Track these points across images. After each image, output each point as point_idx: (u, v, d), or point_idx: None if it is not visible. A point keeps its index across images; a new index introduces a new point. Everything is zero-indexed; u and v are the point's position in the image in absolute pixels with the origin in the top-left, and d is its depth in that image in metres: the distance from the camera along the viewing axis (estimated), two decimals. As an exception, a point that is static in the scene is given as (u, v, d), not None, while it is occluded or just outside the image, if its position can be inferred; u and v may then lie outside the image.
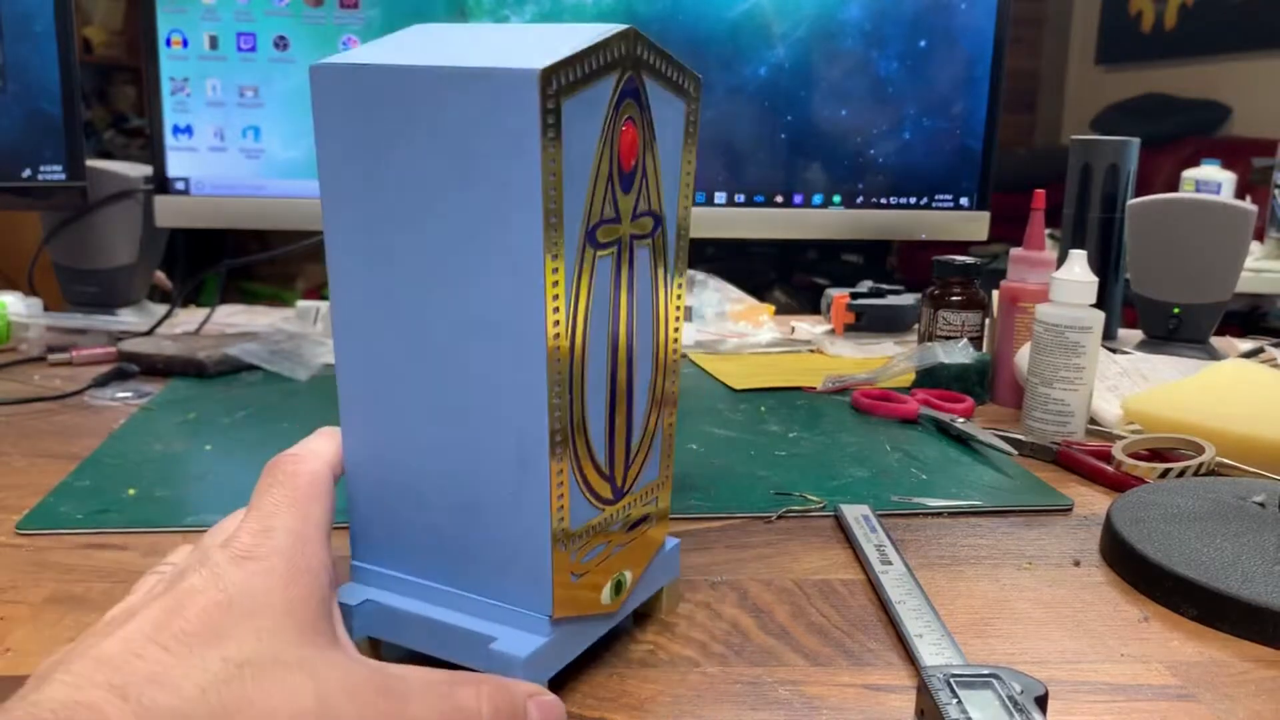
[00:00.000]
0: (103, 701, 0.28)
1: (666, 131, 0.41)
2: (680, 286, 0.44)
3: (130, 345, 0.91)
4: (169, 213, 1.02)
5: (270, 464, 0.40)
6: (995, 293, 0.90)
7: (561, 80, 0.35)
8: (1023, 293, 0.85)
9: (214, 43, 0.98)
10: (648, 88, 0.39)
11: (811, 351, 1.04)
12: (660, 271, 0.42)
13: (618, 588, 0.42)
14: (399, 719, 0.34)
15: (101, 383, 0.84)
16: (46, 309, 1.04)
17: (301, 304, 1.07)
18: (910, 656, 0.44)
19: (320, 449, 0.42)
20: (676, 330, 0.44)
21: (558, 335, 0.37)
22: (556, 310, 0.36)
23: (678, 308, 0.44)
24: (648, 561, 0.45)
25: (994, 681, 0.38)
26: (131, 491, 0.61)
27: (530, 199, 0.35)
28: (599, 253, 0.38)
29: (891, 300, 1.13)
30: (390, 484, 0.41)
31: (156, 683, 0.30)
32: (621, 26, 0.37)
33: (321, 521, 0.38)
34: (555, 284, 0.36)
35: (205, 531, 0.56)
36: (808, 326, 1.15)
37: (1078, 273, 0.74)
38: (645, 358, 0.42)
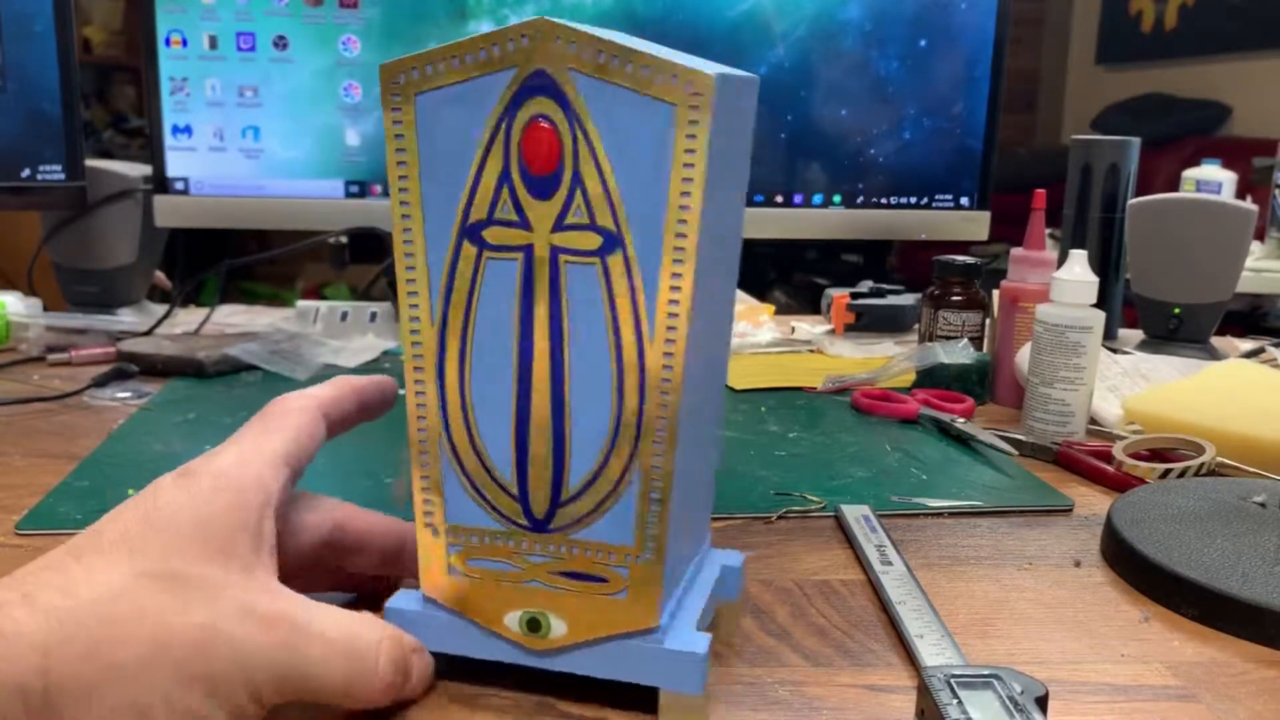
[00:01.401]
0: (10, 603, 0.32)
1: (636, 141, 0.36)
2: (676, 304, 0.37)
3: (130, 345, 0.91)
4: (168, 213, 1.02)
5: (275, 401, 0.43)
6: (995, 293, 0.90)
7: (410, 75, 0.37)
8: (1023, 293, 0.85)
9: (213, 42, 0.98)
10: (586, 88, 0.36)
11: (812, 351, 1.04)
12: (624, 288, 0.37)
13: (532, 625, 0.40)
14: (293, 650, 0.35)
15: (101, 383, 0.84)
16: (46, 309, 1.04)
17: (301, 304, 1.07)
18: (910, 657, 0.44)
19: (316, 390, 0.43)
20: (670, 351, 0.37)
21: (415, 320, 0.38)
22: (413, 295, 0.38)
23: (671, 327, 0.37)
24: (604, 629, 0.39)
25: (994, 682, 0.38)
26: (131, 491, 0.61)
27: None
28: (489, 254, 0.38)
29: (892, 300, 1.13)
30: None
31: (59, 589, 0.33)
32: (530, 20, 0.36)
33: (279, 447, 0.40)
34: (410, 269, 0.38)
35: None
36: (808, 326, 1.15)
37: (1078, 273, 0.74)
38: (593, 383, 0.38)
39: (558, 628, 0.40)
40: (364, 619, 0.38)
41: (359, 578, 0.47)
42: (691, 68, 0.35)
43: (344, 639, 0.37)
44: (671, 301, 0.36)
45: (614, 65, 0.35)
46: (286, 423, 0.41)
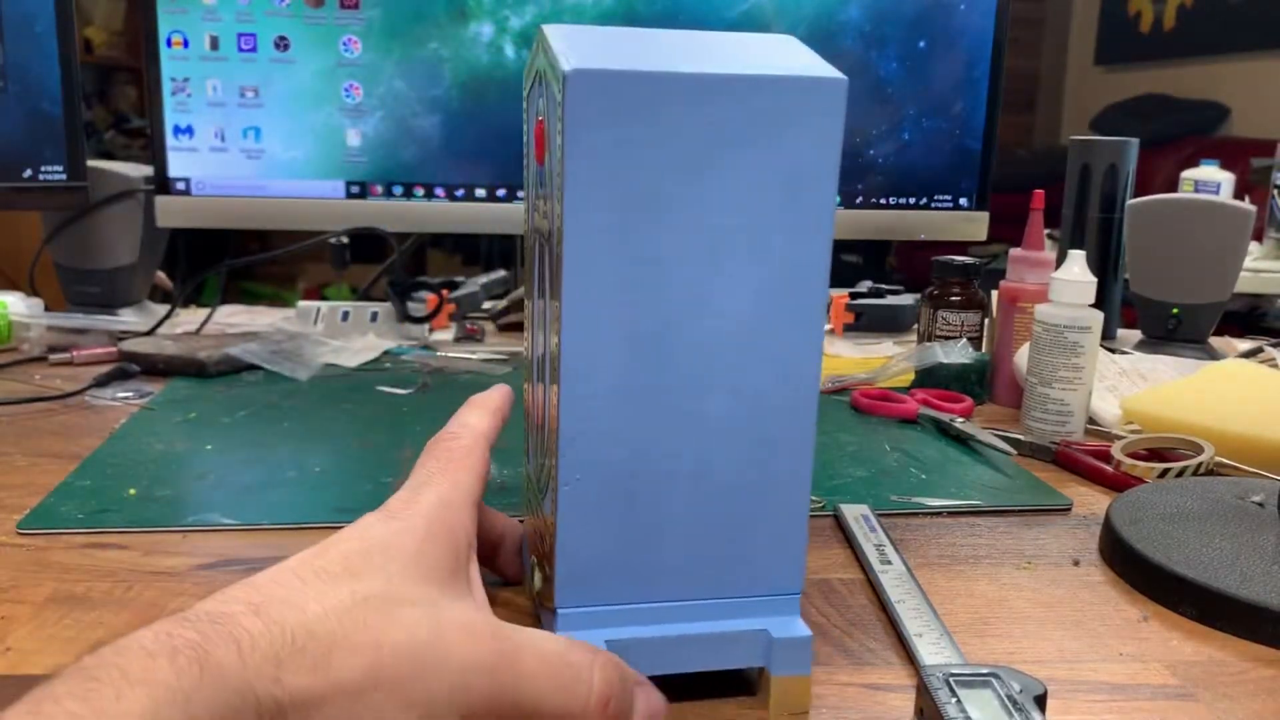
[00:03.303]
0: (239, 613, 0.31)
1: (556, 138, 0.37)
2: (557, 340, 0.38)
3: (131, 345, 0.92)
4: (170, 213, 1.02)
5: (431, 441, 0.43)
6: (994, 293, 0.90)
7: None
8: (1022, 293, 0.85)
9: (215, 43, 0.99)
10: (549, 89, 0.38)
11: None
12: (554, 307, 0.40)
13: None
14: (511, 663, 0.35)
15: (102, 382, 0.84)
16: (47, 309, 1.04)
17: (302, 304, 1.07)
18: (910, 656, 0.44)
19: (472, 421, 0.44)
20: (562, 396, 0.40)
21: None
22: None
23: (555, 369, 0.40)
24: None
25: (993, 681, 0.39)
26: (132, 491, 0.61)
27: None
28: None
29: (891, 300, 1.14)
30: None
31: (287, 603, 0.33)
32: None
33: (470, 488, 0.41)
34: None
35: (206, 531, 0.56)
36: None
37: (1077, 273, 0.74)
38: None
39: None
40: (578, 642, 0.38)
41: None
42: (566, 66, 0.35)
43: (557, 654, 0.36)
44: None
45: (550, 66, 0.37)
46: (469, 462, 0.42)
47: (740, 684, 0.42)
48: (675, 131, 0.36)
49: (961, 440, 0.75)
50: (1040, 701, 0.38)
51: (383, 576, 0.35)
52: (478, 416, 0.45)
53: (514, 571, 0.50)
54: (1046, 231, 0.88)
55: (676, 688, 0.40)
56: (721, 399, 0.39)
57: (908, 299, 1.14)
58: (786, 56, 0.38)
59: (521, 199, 1.01)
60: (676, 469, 0.39)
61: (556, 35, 0.38)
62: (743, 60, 0.37)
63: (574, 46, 0.37)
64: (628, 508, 0.39)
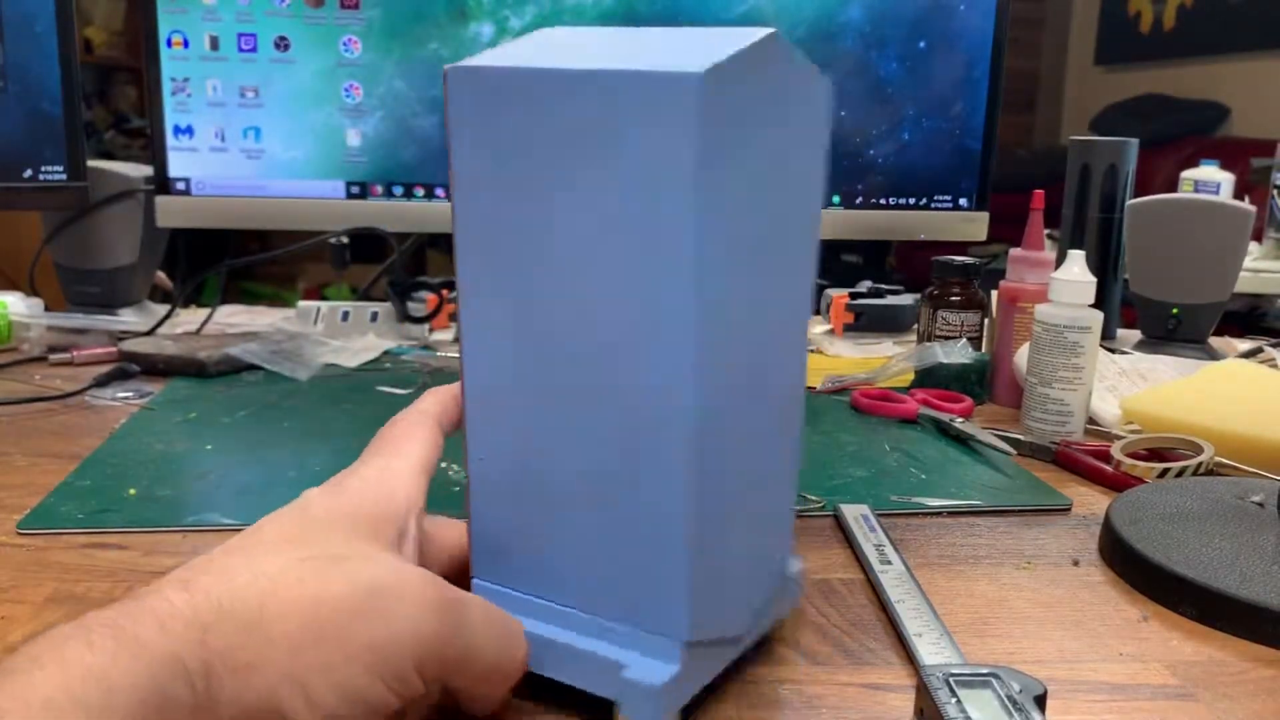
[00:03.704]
0: (165, 589, 0.32)
1: None
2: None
3: (131, 345, 0.92)
4: (170, 213, 1.02)
5: (396, 420, 0.44)
6: (994, 293, 0.90)
7: None
8: (1022, 293, 0.85)
9: (215, 43, 0.99)
10: None
11: (811, 351, 1.05)
12: None
13: None
14: (457, 612, 0.35)
15: (102, 382, 0.84)
16: (47, 309, 1.04)
17: (302, 304, 1.07)
18: (909, 656, 0.44)
19: (423, 405, 0.44)
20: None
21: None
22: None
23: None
24: None
25: (993, 681, 0.39)
26: (132, 491, 0.61)
27: None
28: None
29: (891, 300, 1.13)
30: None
31: (215, 574, 0.33)
32: None
33: (415, 456, 0.41)
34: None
35: (206, 531, 0.56)
36: (807, 327, 1.15)
37: (1076, 273, 0.74)
38: None
39: None
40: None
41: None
42: (470, 62, 0.36)
43: (494, 615, 0.37)
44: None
45: None
46: (415, 435, 0.42)
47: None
48: (544, 125, 0.35)
49: (961, 440, 0.75)
50: (1040, 701, 0.38)
51: (322, 541, 0.36)
52: (430, 401, 0.45)
53: None
54: (1046, 231, 0.88)
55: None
56: (606, 407, 0.37)
57: (908, 299, 1.14)
58: (694, 51, 0.35)
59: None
60: (569, 470, 0.38)
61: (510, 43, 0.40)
62: (647, 56, 0.35)
63: (499, 49, 0.38)
64: (529, 499, 0.39)
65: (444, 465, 0.66)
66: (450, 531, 0.43)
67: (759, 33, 0.35)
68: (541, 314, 0.37)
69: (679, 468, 0.35)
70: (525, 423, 0.39)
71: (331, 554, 0.35)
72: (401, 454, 0.41)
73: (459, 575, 0.42)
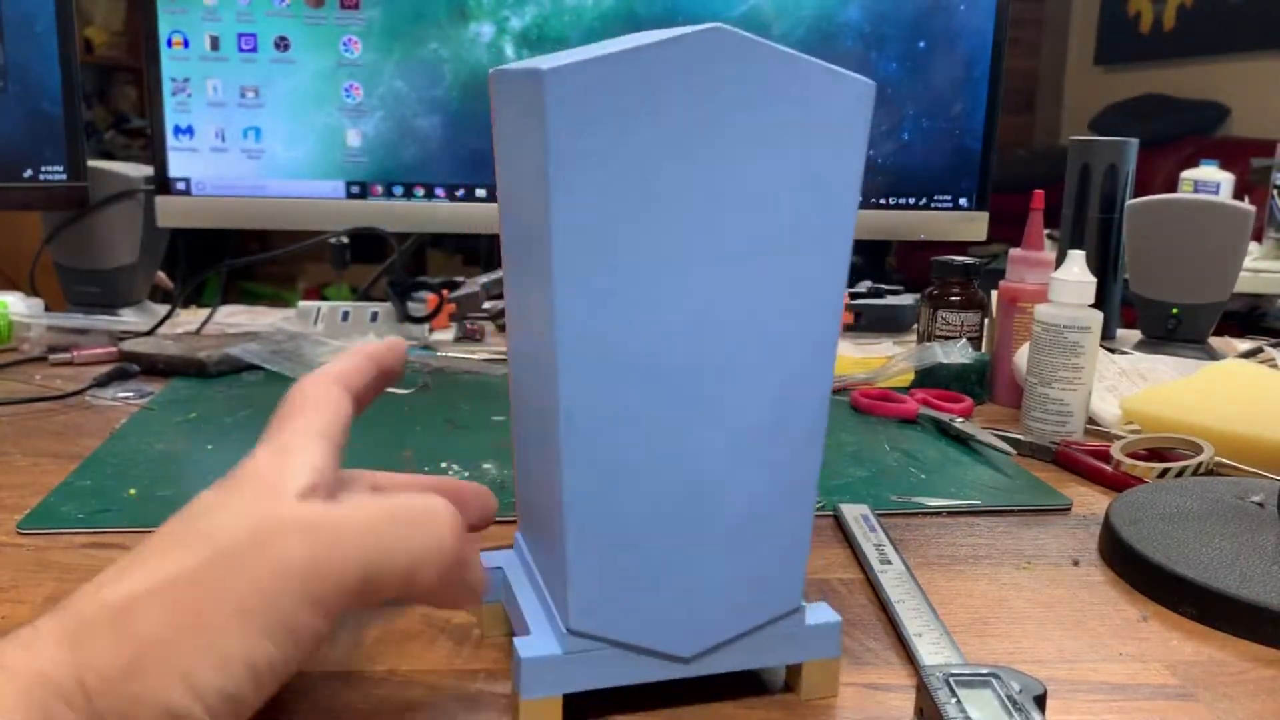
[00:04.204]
0: (41, 620, 0.31)
1: None
2: None
3: (131, 345, 0.92)
4: (170, 213, 1.02)
5: (291, 390, 0.40)
6: (994, 293, 0.90)
7: None
8: (1021, 293, 0.85)
9: (215, 43, 0.99)
10: None
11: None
12: None
13: None
14: (335, 534, 0.33)
15: (103, 382, 0.84)
16: (48, 309, 1.04)
17: (302, 304, 1.07)
18: (909, 656, 0.44)
19: (328, 366, 0.41)
20: None
21: None
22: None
23: None
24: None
25: (993, 681, 0.39)
26: (132, 491, 0.61)
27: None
28: None
29: (890, 300, 1.14)
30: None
31: (83, 594, 0.32)
32: None
33: (307, 427, 0.37)
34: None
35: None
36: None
37: (1076, 273, 0.74)
38: None
39: None
40: (409, 493, 0.37)
41: None
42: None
43: (393, 515, 0.34)
44: None
45: None
46: (307, 404, 0.39)
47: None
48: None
49: (961, 440, 0.75)
50: (1040, 701, 0.38)
51: (199, 540, 0.32)
52: (336, 362, 0.41)
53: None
54: (1046, 231, 0.88)
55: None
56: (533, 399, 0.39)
57: (908, 299, 1.14)
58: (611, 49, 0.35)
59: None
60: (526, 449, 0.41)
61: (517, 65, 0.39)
62: (573, 55, 0.36)
63: (541, 60, 0.37)
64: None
65: (444, 465, 0.67)
66: (355, 483, 0.40)
67: (677, 31, 0.35)
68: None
69: (557, 465, 0.37)
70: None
71: (188, 531, 0.33)
72: (293, 428, 0.37)
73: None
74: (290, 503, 0.33)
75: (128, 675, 0.29)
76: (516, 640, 0.39)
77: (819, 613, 0.42)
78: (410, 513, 0.35)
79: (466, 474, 0.65)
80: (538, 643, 0.38)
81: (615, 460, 0.37)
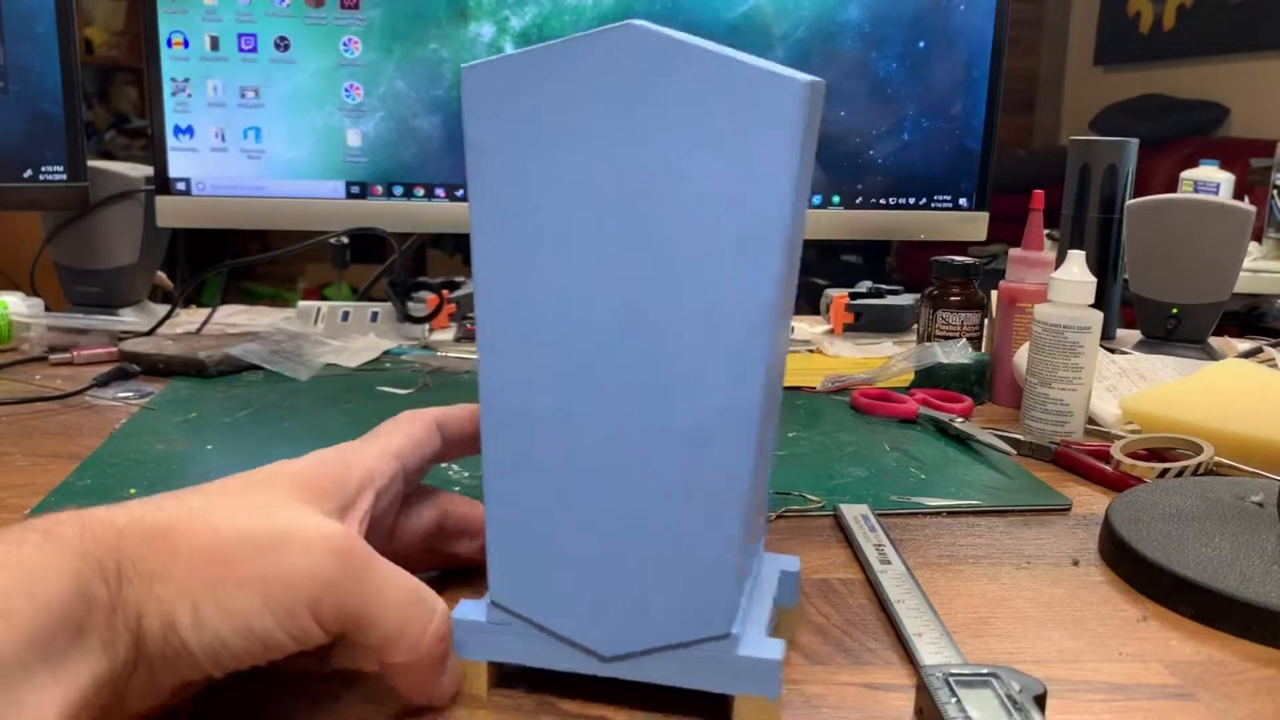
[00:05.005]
0: (98, 509, 0.34)
1: None
2: None
3: (131, 345, 0.92)
4: (170, 213, 1.02)
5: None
6: (994, 293, 0.90)
7: None
8: (1021, 293, 0.85)
9: (215, 43, 0.99)
10: None
11: (811, 351, 1.05)
12: None
13: None
14: (359, 570, 0.36)
15: (103, 382, 0.84)
16: (48, 309, 1.04)
17: (302, 304, 1.07)
18: (909, 655, 0.44)
19: (436, 408, 0.46)
20: None
21: None
22: None
23: None
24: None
25: (993, 680, 0.39)
26: (133, 491, 0.61)
27: None
28: None
29: (890, 300, 1.14)
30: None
31: (146, 505, 0.35)
32: None
33: (389, 445, 0.43)
34: None
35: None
36: (807, 326, 1.15)
37: (1076, 273, 0.74)
38: None
39: None
40: (427, 586, 0.39)
41: (465, 562, 0.50)
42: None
43: (407, 583, 0.37)
44: None
45: None
46: (399, 428, 0.44)
47: None
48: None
49: (961, 440, 0.75)
50: (1040, 701, 0.38)
51: (256, 494, 0.37)
52: (445, 409, 0.46)
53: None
54: (1046, 232, 0.89)
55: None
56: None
57: (907, 299, 1.14)
58: None
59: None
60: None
61: None
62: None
63: None
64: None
65: (444, 466, 0.67)
66: (425, 503, 0.46)
67: (600, 29, 0.36)
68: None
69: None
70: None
71: (260, 503, 0.37)
72: (379, 439, 0.43)
73: (440, 538, 0.47)
74: (345, 534, 0.37)
75: (155, 578, 0.33)
76: (461, 602, 0.41)
77: (760, 646, 0.38)
78: (421, 599, 0.38)
79: (466, 473, 0.65)
80: (471, 609, 0.41)
81: (529, 448, 0.38)
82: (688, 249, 0.36)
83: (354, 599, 0.35)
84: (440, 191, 1.03)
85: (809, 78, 0.36)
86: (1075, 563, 0.56)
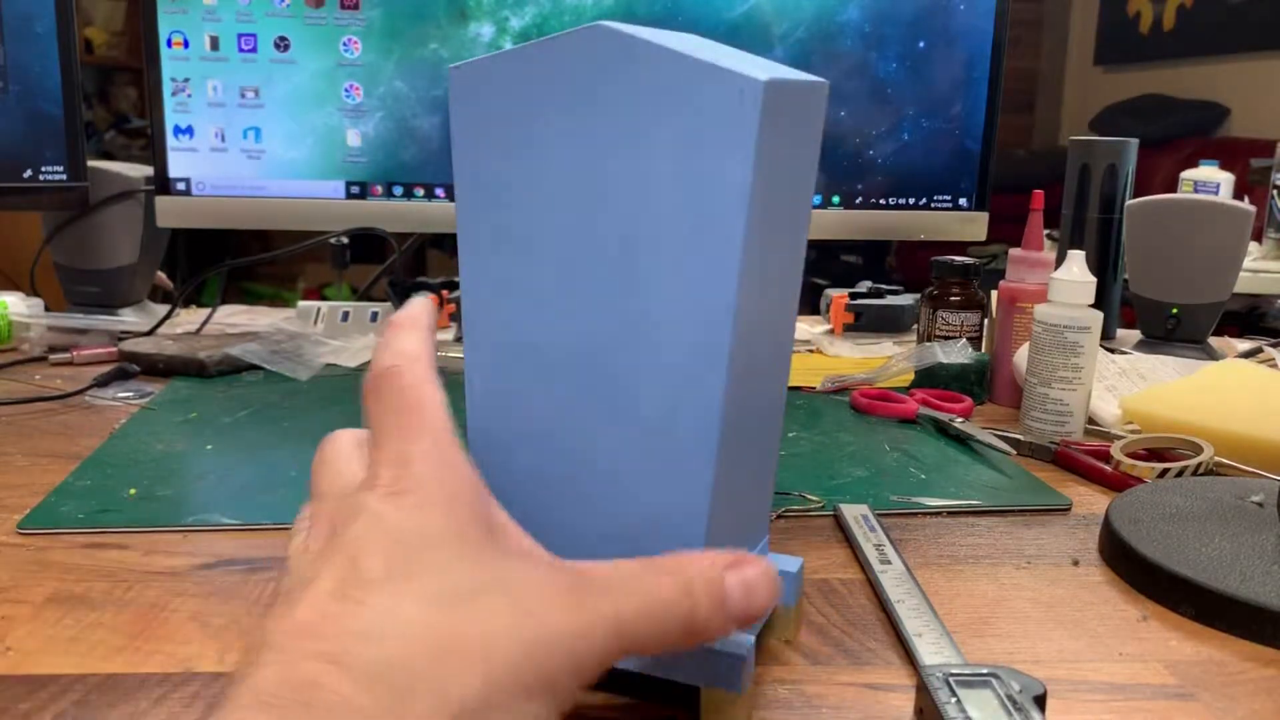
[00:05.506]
0: (318, 674, 0.27)
1: None
2: None
3: (131, 345, 0.92)
4: (170, 213, 1.02)
5: (371, 385, 0.36)
6: (994, 293, 0.90)
7: None
8: (1021, 293, 0.85)
9: (215, 44, 0.99)
10: None
11: (811, 351, 1.05)
12: None
13: None
14: (610, 617, 0.32)
15: (103, 382, 0.84)
16: (48, 309, 1.04)
17: (302, 304, 1.07)
18: (909, 656, 0.44)
19: (409, 348, 0.37)
20: None
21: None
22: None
23: None
24: None
25: (993, 681, 0.39)
26: (132, 491, 0.61)
27: None
28: None
29: (890, 300, 1.14)
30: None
31: (362, 638, 0.28)
32: None
33: (447, 427, 0.35)
34: None
35: (206, 531, 0.56)
36: (807, 326, 1.15)
37: (1076, 273, 0.74)
38: None
39: None
40: (650, 563, 0.34)
41: None
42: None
43: (641, 594, 0.33)
44: None
45: None
46: (430, 398, 0.36)
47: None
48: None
49: (961, 440, 0.75)
50: (1040, 701, 0.38)
51: (436, 571, 0.31)
52: (411, 340, 0.38)
53: None
54: (1046, 232, 0.89)
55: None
56: None
57: (908, 299, 1.14)
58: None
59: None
60: None
61: None
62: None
63: None
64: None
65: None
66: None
67: (573, 31, 0.37)
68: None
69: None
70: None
71: (461, 588, 0.31)
72: (435, 429, 0.35)
73: None
74: (549, 573, 0.33)
75: None
76: None
77: (728, 640, 0.38)
78: (661, 589, 0.33)
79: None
80: None
81: (506, 434, 0.40)
82: (650, 248, 0.37)
83: (615, 644, 0.32)
84: (440, 191, 1.02)
85: (789, 76, 0.36)
86: (1075, 563, 0.56)
